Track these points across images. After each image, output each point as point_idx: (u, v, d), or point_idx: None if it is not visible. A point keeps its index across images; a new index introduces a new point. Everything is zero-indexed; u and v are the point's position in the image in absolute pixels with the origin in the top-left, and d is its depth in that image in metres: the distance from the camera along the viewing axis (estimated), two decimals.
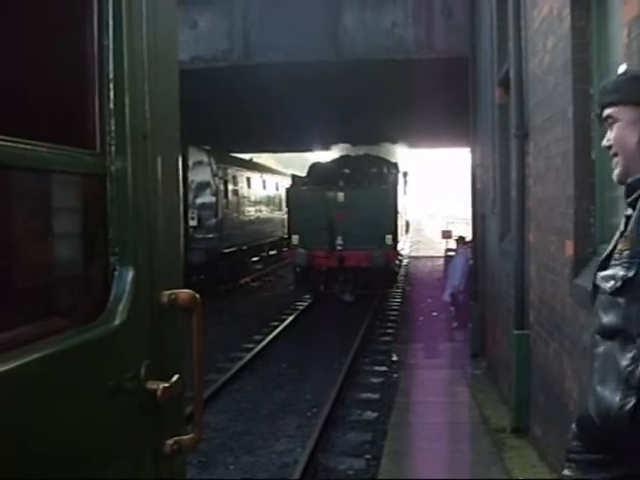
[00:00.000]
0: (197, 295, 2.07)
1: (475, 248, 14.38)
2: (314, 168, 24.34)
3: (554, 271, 6.76)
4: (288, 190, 24.08)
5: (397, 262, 25.75)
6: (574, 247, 5.88)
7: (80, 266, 1.99)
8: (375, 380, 12.76)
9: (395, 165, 26.09)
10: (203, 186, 23.32)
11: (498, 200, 10.58)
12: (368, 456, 8.92)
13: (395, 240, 21.96)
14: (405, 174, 27.76)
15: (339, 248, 21.28)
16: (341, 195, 21.68)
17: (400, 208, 23.67)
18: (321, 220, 21.10)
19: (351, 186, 22.13)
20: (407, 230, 35.04)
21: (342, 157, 25.76)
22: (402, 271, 30.14)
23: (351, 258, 21.06)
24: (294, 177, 25.83)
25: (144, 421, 1.95)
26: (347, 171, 23.22)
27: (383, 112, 21.13)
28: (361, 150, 26.30)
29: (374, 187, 22.51)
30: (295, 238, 21.87)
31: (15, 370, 1.46)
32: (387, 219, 21.60)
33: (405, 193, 28.25)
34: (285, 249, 23.31)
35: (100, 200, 1.86)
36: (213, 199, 23.49)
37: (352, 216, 20.99)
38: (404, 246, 31.88)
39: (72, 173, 1.86)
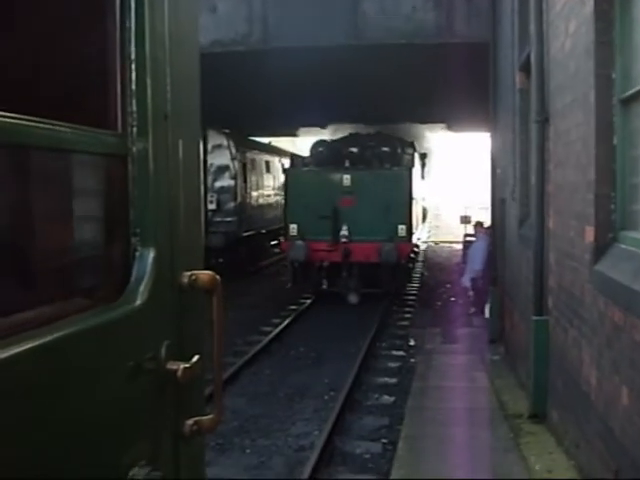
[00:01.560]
0: (217, 276, 2.07)
1: (494, 233, 14.33)
2: (317, 146, 20.83)
3: (574, 257, 6.73)
4: (286, 171, 21.16)
5: (412, 256, 22.55)
6: (594, 233, 5.85)
7: (102, 247, 2.00)
8: (392, 364, 12.77)
9: (411, 144, 23.22)
10: (222, 169, 23.35)
11: (518, 185, 10.53)
12: (385, 440, 8.95)
13: (409, 231, 18.91)
14: (424, 155, 25.93)
15: (344, 240, 18.39)
16: (347, 178, 18.91)
17: (416, 194, 20.83)
18: (323, 207, 18.45)
19: (359, 168, 19.38)
20: (424, 218, 32.07)
21: (350, 134, 22.59)
22: (420, 257, 29.32)
23: (358, 252, 18.24)
24: (293, 157, 23.06)
25: (164, 401, 1.96)
26: (355, 150, 20.37)
27: (402, 97, 20.50)
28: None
29: (386, 169, 19.41)
30: (293, 228, 19.01)
31: (38, 349, 1.47)
32: (400, 206, 18.62)
33: (423, 177, 26.20)
34: (281, 240, 19.94)
35: (122, 181, 1.87)
36: (232, 183, 23.51)
37: (359, 203, 18.51)
38: (421, 235, 28.71)
39: (94, 154, 1.86)
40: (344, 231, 18.44)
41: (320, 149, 20.49)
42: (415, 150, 23.17)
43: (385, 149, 20.49)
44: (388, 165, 19.59)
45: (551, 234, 7.97)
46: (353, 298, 18.70)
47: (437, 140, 31.33)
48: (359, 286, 18.75)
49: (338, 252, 18.35)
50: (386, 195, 18.46)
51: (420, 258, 29.23)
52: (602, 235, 5.80)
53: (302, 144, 49.70)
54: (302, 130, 31.28)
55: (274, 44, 15.03)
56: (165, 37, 2.04)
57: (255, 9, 15.05)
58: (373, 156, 20.08)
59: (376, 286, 18.67)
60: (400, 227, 18.52)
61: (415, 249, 23.27)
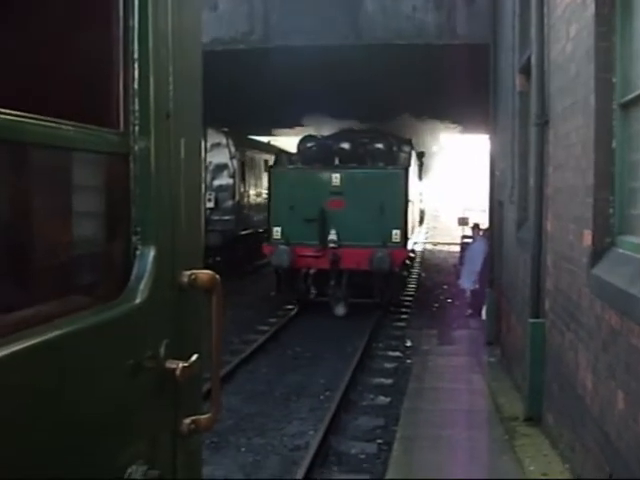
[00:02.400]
0: (217, 276, 2.08)
1: (492, 235, 14.34)
2: (305, 142, 19.06)
3: (571, 260, 6.74)
4: (269, 170, 19.73)
5: (408, 262, 21.02)
6: (592, 237, 5.86)
7: (103, 245, 2.00)
8: (389, 365, 12.78)
9: (408, 142, 21.37)
10: (221, 168, 23.33)
11: (516, 188, 10.54)
12: (380, 441, 8.95)
13: (405, 236, 17.32)
14: (421, 154, 24.57)
15: (332, 245, 16.92)
16: (336, 177, 17.36)
17: (412, 195, 19.32)
18: (310, 209, 16.93)
19: (350, 166, 17.77)
20: (422, 221, 30.56)
21: (342, 130, 20.64)
22: (417, 258, 29.18)
23: (347, 258, 16.75)
24: (278, 153, 21.80)
25: (163, 400, 1.97)
26: (346, 147, 18.38)
27: (401, 96, 20.27)
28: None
29: (379, 168, 17.92)
30: (276, 231, 17.52)
31: (37, 346, 1.48)
32: (395, 209, 17.09)
33: (421, 177, 25.09)
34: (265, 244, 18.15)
35: (123, 179, 1.87)
36: (230, 181, 23.50)
37: (350, 205, 17.00)
38: (417, 239, 26.87)
39: (96, 152, 1.87)
40: (332, 235, 17.00)
41: (308, 145, 18.79)
42: (412, 148, 21.59)
43: (379, 146, 18.65)
44: (382, 164, 18.10)
45: (549, 237, 7.98)
46: (341, 310, 17.16)
47: (436, 140, 30.86)
48: (348, 295, 17.26)
49: (325, 258, 16.91)
50: (379, 196, 16.94)
51: (417, 259, 29.08)
52: (600, 239, 5.81)
53: None
54: (299, 129, 31.23)
55: (275, 43, 15.03)
56: (168, 35, 2.04)
57: (256, 7, 15.05)
58: (366, 153, 18.48)
59: (367, 296, 17.28)
60: (394, 232, 17.04)
61: (411, 254, 21.95)
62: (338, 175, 17.41)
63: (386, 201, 16.96)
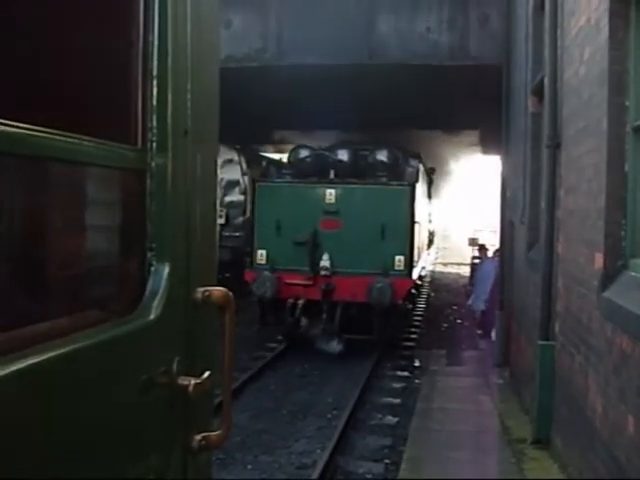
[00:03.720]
0: (230, 293, 2.09)
1: (502, 256, 14.31)
2: (297, 153, 16.54)
3: (582, 283, 6.72)
4: (253, 183, 16.83)
5: (414, 291, 17.60)
6: (604, 260, 5.84)
7: (118, 260, 2.02)
8: (397, 385, 12.74)
9: (416, 156, 18.52)
10: (232, 184, 23.37)
11: (527, 209, 10.53)
12: (387, 461, 8.91)
13: (410, 264, 14.81)
14: (432, 171, 22.78)
15: (324, 273, 14.46)
16: (331, 194, 14.85)
17: (420, 215, 17.07)
18: (300, 230, 14.53)
19: (348, 181, 15.22)
20: (431, 244, 27.75)
21: (342, 141, 17.97)
22: (426, 278, 28.80)
23: (342, 288, 14.31)
24: (266, 164, 19.87)
25: (174, 416, 1.97)
26: (344, 158, 16.00)
27: (413, 115, 20.28)
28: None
29: (382, 184, 15.35)
30: (261, 255, 15.13)
31: (52, 360, 1.48)
32: (399, 232, 14.65)
33: (430, 196, 22.82)
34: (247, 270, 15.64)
35: (140, 195, 1.88)
36: (242, 198, 23.52)
37: (346, 226, 14.60)
38: (426, 263, 24.25)
39: (114, 168, 1.88)
40: (325, 261, 14.55)
41: (300, 156, 16.23)
42: (421, 162, 19.18)
43: (382, 158, 16.09)
44: (385, 178, 15.55)
45: (560, 259, 7.96)
46: (335, 346, 14.65)
47: (449, 158, 30.53)
48: (342, 331, 14.71)
49: (317, 288, 14.43)
50: (381, 217, 14.53)
51: (427, 278, 28.81)
52: (611, 262, 5.79)
53: None
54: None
55: (288, 60, 15.11)
56: (187, 52, 2.06)
57: (270, 25, 15.15)
58: (367, 167, 16.04)
59: (364, 332, 14.73)
60: (397, 258, 14.58)
61: (418, 282, 18.67)
62: (333, 191, 14.91)
63: (389, 222, 14.57)
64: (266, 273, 14.65)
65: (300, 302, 14.57)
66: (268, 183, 16.04)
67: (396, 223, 14.62)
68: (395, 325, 15.25)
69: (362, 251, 14.45)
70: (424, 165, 20.03)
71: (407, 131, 22.44)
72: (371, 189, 15.23)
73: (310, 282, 14.45)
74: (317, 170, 15.58)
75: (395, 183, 15.30)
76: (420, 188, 17.06)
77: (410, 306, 17.30)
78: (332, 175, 15.31)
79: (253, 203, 16.20)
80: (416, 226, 15.51)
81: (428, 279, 29.56)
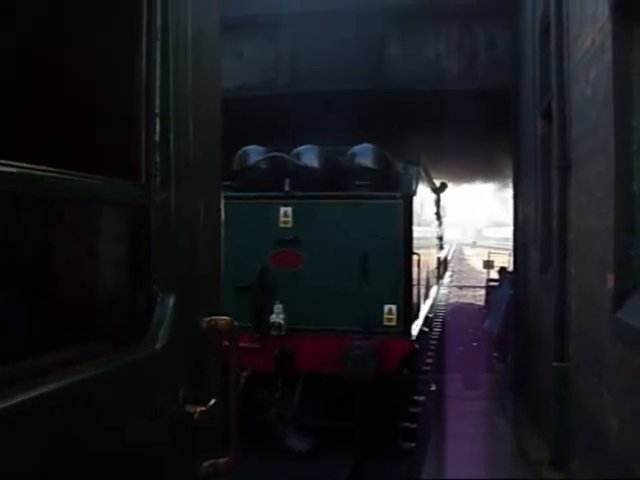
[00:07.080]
0: (234, 322, 2.14)
1: (516, 279, 14.29)
2: (244, 158, 11.00)
3: (595, 303, 6.71)
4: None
5: (415, 353, 10.53)
6: (615, 280, 5.84)
7: (124, 292, 2.06)
8: (413, 410, 12.66)
9: (415, 162, 12.39)
10: None
11: (539, 231, 10.54)
12: None
13: (407, 316, 9.98)
14: (442, 186, 18.67)
15: (277, 333, 9.76)
16: (287, 213, 10.03)
17: (421, 241, 12.05)
18: (243, 268, 9.58)
19: (311, 195, 10.07)
20: (444, 272, 23.19)
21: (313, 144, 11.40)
22: (442, 299, 26.63)
23: (304, 355, 9.69)
24: None
25: (182, 443, 2.01)
26: (310, 163, 10.65)
27: (423, 140, 20.39)
28: None
29: (363, 197, 10.12)
30: None
31: (58, 390, 1.52)
32: (389, 267, 9.80)
33: (439, 217, 18.94)
34: None
35: (144, 230, 1.93)
36: None
37: (310, 261, 9.90)
38: (437, 296, 19.63)
39: (118, 204, 1.94)
40: (277, 315, 9.81)
41: (250, 162, 10.86)
42: (425, 170, 14.33)
43: (365, 163, 10.56)
44: (366, 189, 10.22)
45: (573, 280, 7.96)
46: (296, 442, 9.88)
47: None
48: (310, 416, 9.86)
49: (267, 354, 9.66)
50: (361, 245, 9.73)
51: (442, 301, 26.41)
52: (622, 282, 5.79)
53: None
54: None
55: (300, 88, 15.21)
56: (189, 88, 2.11)
57: (282, 54, 15.29)
58: (343, 174, 10.58)
59: (339, 416, 9.79)
60: (387, 308, 9.73)
61: (418, 346, 10.65)
62: (289, 209, 10.02)
63: (373, 253, 9.75)
64: None
65: (244, 375, 9.75)
66: None
67: (384, 254, 9.81)
68: (386, 405, 9.88)
69: (333, 299, 9.81)
70: (428, 174, 15.46)
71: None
72: (347, 205, 10.14)
73: (256, 345, 9.67)
74: (271, 180, 10.35)
75: (382, 195, 10.11)
76: (420, 202, 11.96)
77: (406, 372, 10.14)
78: (287, 186, 10.15)
79: None
80: (415, 258, 10.53)
81: (443, 301, 28.99)
